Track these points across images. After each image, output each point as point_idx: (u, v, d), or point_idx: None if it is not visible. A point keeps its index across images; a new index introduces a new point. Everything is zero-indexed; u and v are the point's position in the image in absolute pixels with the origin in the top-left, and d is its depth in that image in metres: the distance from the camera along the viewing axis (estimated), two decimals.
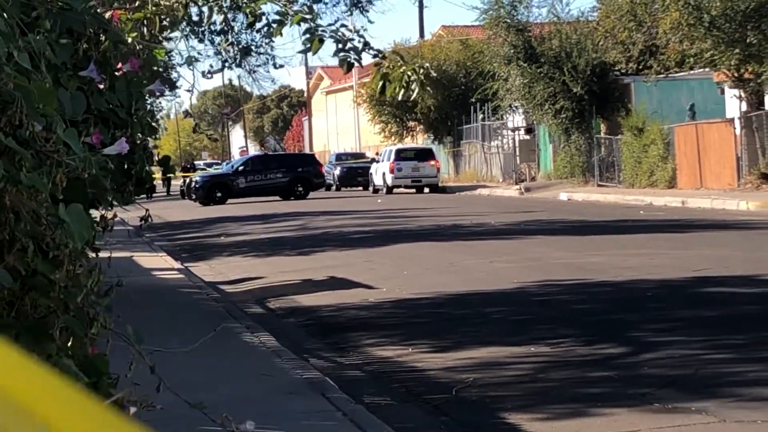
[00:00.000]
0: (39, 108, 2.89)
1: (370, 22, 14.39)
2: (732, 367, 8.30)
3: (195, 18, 7.14)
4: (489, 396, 7.76)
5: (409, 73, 6.34)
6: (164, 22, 5.75)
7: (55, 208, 3.13)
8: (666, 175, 36.40)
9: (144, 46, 5.00)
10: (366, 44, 6.24)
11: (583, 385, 8.00)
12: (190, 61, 8.18)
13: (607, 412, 7.06)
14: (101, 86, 4.11)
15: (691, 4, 31.79)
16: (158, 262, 18.23)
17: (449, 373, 8.59)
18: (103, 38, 4.01)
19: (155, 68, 4.80)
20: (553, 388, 7.94)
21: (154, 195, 7.58)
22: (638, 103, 40.20)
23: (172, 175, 5.71)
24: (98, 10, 4.16)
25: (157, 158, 5.55)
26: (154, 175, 5.52)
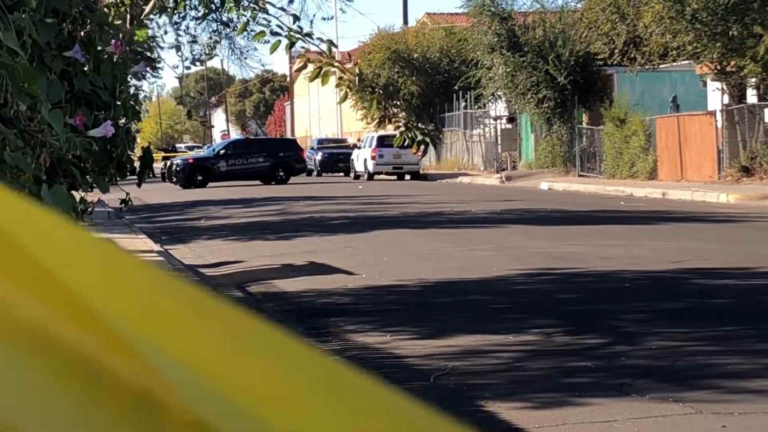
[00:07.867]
0: (24, 87, 2.87)
1: (347, 2, 14.37)
2: (709, 358, 8.33)
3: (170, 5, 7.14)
4: (467, 384, 7.77)
5: (337, 72, 6.35)
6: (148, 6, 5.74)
7: (38, 188, 3.11)
8: (647, 166, 36.48)
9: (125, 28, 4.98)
10: (306, 34, 6.28)
11: (561, 374, 8.02)
12: (178, 47, 8.17)
13: (585, 402, 7.08)
14: (85, 67, 4.08)
15: None
16: (138, 245, 18.18)
17: (428, 361, 8.60)
18: (88, 19, 3.99)
19: (139, 49, 4.79)
20: (531, 378, 7.96)
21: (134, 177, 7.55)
22: (621, 94, 40.26)
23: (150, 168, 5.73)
24: None
25: (138, 142, 5.54)
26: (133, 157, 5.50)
